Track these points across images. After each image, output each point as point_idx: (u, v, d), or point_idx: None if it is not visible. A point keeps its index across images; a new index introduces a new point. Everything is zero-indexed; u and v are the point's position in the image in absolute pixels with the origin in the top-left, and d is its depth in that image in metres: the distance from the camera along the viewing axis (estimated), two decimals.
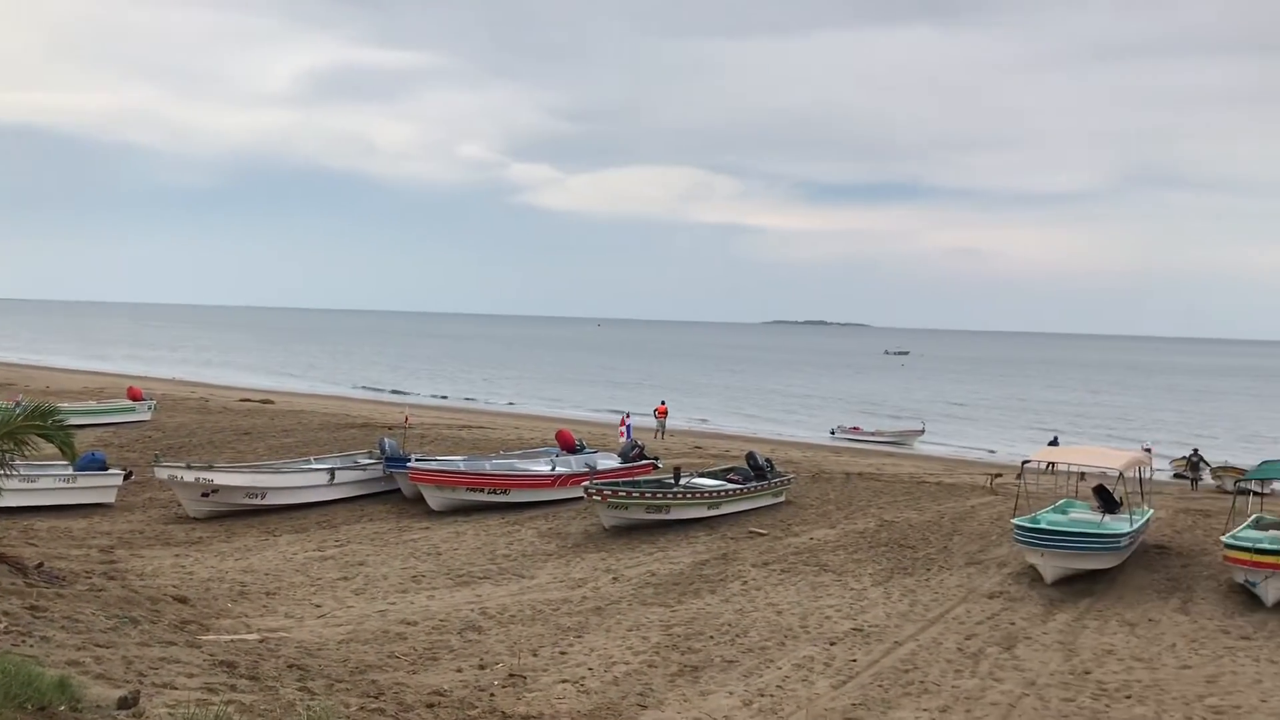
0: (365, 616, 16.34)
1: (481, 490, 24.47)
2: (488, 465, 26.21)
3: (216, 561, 19.71)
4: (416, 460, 25.47)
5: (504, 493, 24.69)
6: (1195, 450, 41.17)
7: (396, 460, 25.59)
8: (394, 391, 73.68)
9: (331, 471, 25.35)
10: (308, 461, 26.73)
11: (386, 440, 26.97)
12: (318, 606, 16.88)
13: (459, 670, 13.90)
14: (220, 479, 23.53)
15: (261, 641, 14.22)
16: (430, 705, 12.13)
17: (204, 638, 13.83)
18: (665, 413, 47.06)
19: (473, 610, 16.84)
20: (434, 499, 24.21)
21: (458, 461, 26.34)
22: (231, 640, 13.97)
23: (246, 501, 23.74)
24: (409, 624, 15.96)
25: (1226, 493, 31.45)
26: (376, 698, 11.93)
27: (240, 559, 19.98)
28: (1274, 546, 17.62)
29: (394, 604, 17.17)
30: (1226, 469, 38.71)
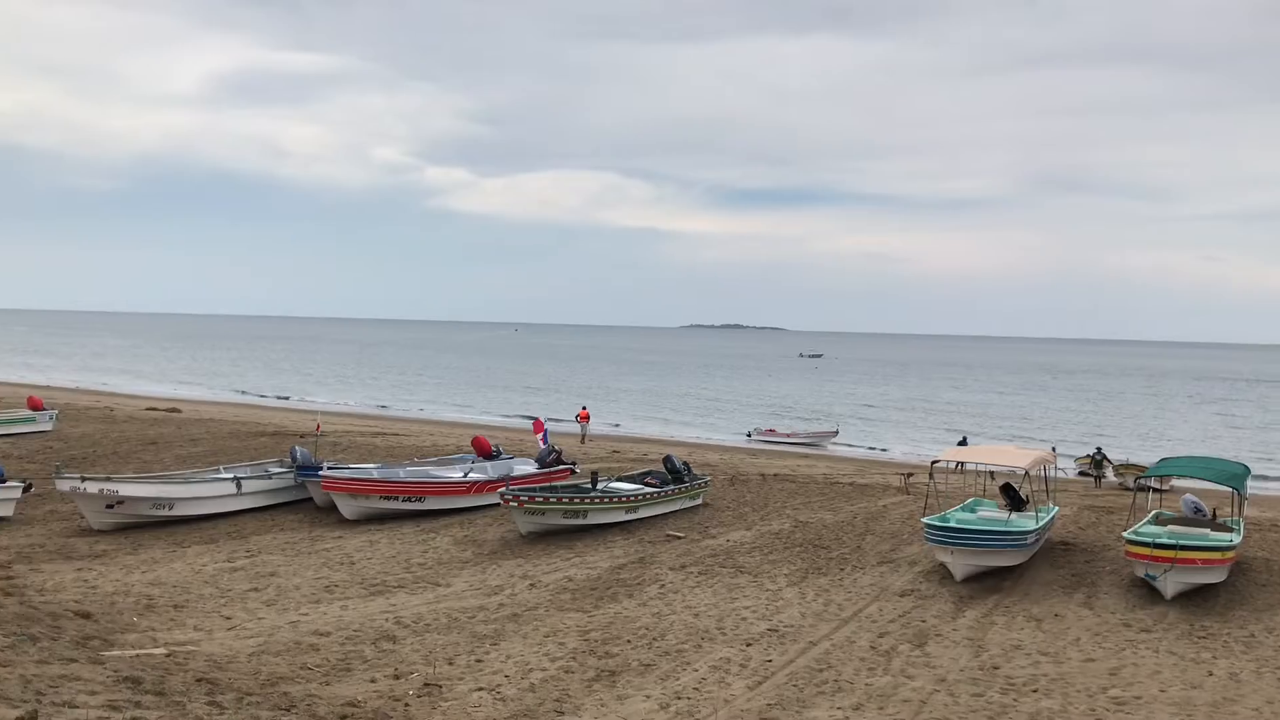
0: (277, 628, 16.03)
1: (396, 498, 24.19)
2: (402, 473, 25.92)
3: (121, 575, 19.17)
4: (329, 468, 25.10)
5: (419, 500, 24.44)
6: (1099, 449, 42.43)
7: (308, 468, 25.19)
8: (298, 399, 72.52)
9: (241, 481, 24.85)
10: (217, 471, 26.15)
11: (298, 448, 26.52)
12: (228, 619, 16.51)
13: (373, 681, 13.70)
14: (125, 490, 22.91)
15: (168, 656, 13.87)
16: (344, 717, 11.94)
17: (107, 654, 13.44)
18: (587, 417, 47.36)
19: (387, 619, 16.62)
20: (347, 507, 23.88)
21: (371, 469, 26.01)
22: (136, 655, 13.60)
23: (153, 513, 23.15)
24: (322, 635, 15.69)
25: (1128, 490, 32.44)
26: (288, 710, 11.71)
27: (147, 571, 19.47)
28: (1172, 541, 18.21)
29: (306, 615, 16.87)
30: (1128, 466, 39.99)
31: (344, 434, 40.12)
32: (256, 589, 18.38)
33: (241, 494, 24.64)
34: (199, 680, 12.58)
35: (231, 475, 25.24)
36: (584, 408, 49.78)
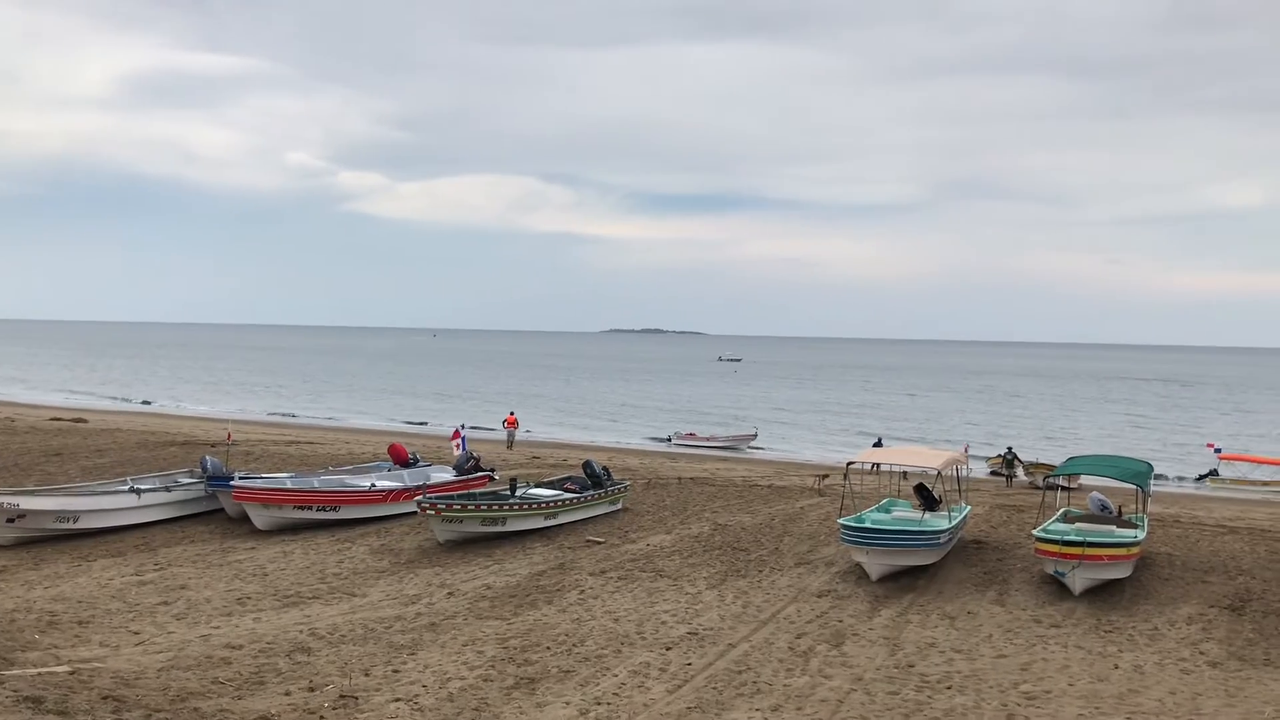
0: (187, 642, 15.65)
1: (310, 508, 23.78)
2: (316, 482, 25.48)
3: (23, 591, 18.57)
4: (240, 478, 24.60)
5: (334, 509, 24.06)
6: (1010, 449, 43.33)
7: (219, 479, 24.65)
8: (208, 408, 71.04)
9: (148, 492, 24.22)
10: (124, 482, 25.44)
11: (209, 458, 25.93)
12: (136, 634, 16.09)
13: (287, 694, 13.45)
14: (27, 503, 22.19)
15: (72, 673, 13.45)
16: None
17: (7, 673, 12.99)
18: (515, 423, 47.12)
19: (302, 631, 16.34)
20: (259, 518, 23.41)
21: (284, 478, 25.53)
22: (38, 674, 13.17)
23: (57, 526, 22.45)
24: (234, 648, 15.36)
25: (1038, 489, 33.20)
26: None
27: (50, 587, 18.88)
28: (1080, 538, 18.68)
29: (218, 628, 16.51)
30: (1036, 466, 41.04)
31: (256, 443, 39.33)
32: (166, 602, 17.94)
33: (150, 505, 24.03)
34: (104, 698, 12.24)
35: (143, 486, 24.61)
36: (511, 413, 49.55)
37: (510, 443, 45.02)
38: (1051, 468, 38.61)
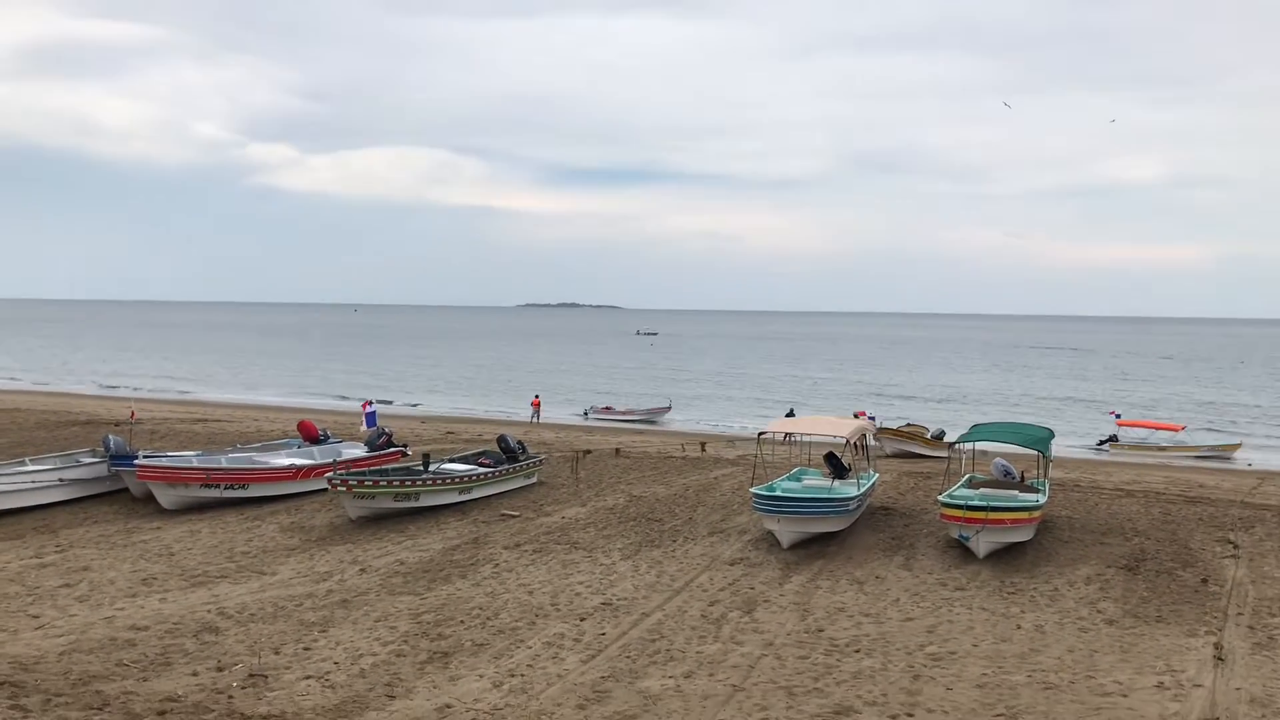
0: (90, 624, 15.28)
1: (217, 486, 23.34)
2: (224, 460, 25.00)
3: None
4: (145, 457, 24.03)
5: (242, 488, 23.64)
6: (909, 423, 44.26)
7: (122, 458, 24.05)
8: (114, 387, 69.23)
9: (48, 473, 23.55)
10: (22, 463, 24.70)
11: (112, 437, 25.27)
12: (35, 617, 15.65)
13: (194, 674, 13.23)
14: None
15: None
16: (161, 713, 11.51)
17: None
18: (539, 404, 53.59)
19: (210, 611, 16.06)
20: (165, 497, 22.92)
21: (190, 457, 25.00)
22: None
23: None
24: (139, 629, 15.05)
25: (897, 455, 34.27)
26: (101, 709, 11.23)
27: None
28: (984, 503, 19.16)
29: (122, 609, 16.13)
30: (907, 429, 42.17)
31: (162, 421, 38.47)
32: (68, 585, 17.48)
33: (51, 486, 23.37)
34: (1, 684, 11.91)
35: (42, 467, 23.91)
36: (536, 395, 56.13)
37: (535, 420, 49.79)
38: (923, 430, 39.96)
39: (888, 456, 34.17)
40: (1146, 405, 69.20)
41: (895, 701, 12.58)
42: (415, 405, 59.46)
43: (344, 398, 64.63)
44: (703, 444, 32.94)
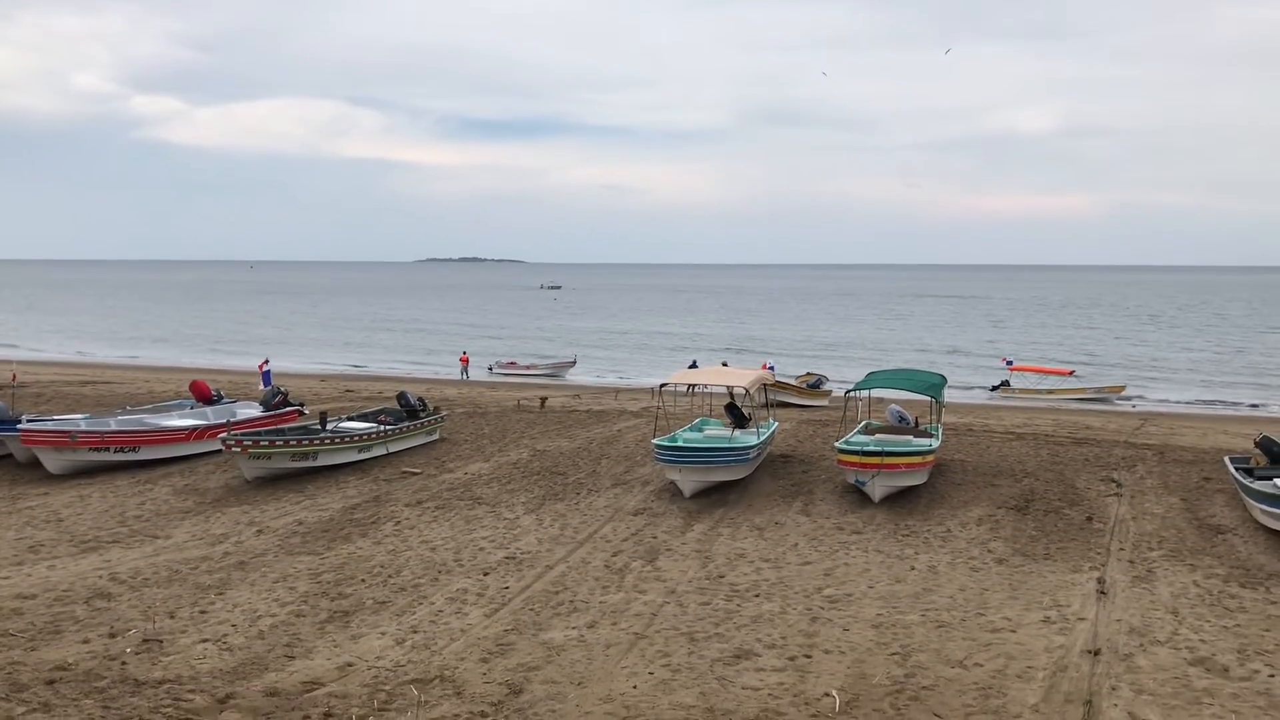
0: None
1: (107, 449, 22.67)
2: (113, 422, 24.27)
3: None
4: (29, 421, 23.21)
5: (133, 450, 23.00)
6: (809, 371, 45.02)
7: (4, 422, 23.19)
8: None
9: None
10: None
11: None
12: None
13: (85, 641, 12.90)
14: None
15: None
16: (50, 682, 11.20)
17: None
18: (467, 361, 53.33)
19: (101, 577, 15.64)
20: (51, 462, 22.20)
21: (78, 420, 24.22)
22: None
23: None
24: (26, 598, 14.59)
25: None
26: None
27: None
28: (879, 449, 19.56)
29: (8, 578, 15.62)
30: (806, 376, 43.83)
31: (48, 384, 37.15)
32: None
33: None
34: None
35: None
36: (464, 353, 55.80)
37: (465, 378, 49.60)
38: (807, 378, 41.51)
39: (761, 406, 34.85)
40: (1036, 350, 71.27)
41: (794, 644, 12.85)
42: (321, 365, 58.42)
43: (242, 356, 63.16)
44: (543, 399, 33.61)
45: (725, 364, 44.91)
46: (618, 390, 42.98)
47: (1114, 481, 21.04)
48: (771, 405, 26.44)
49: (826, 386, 42.63)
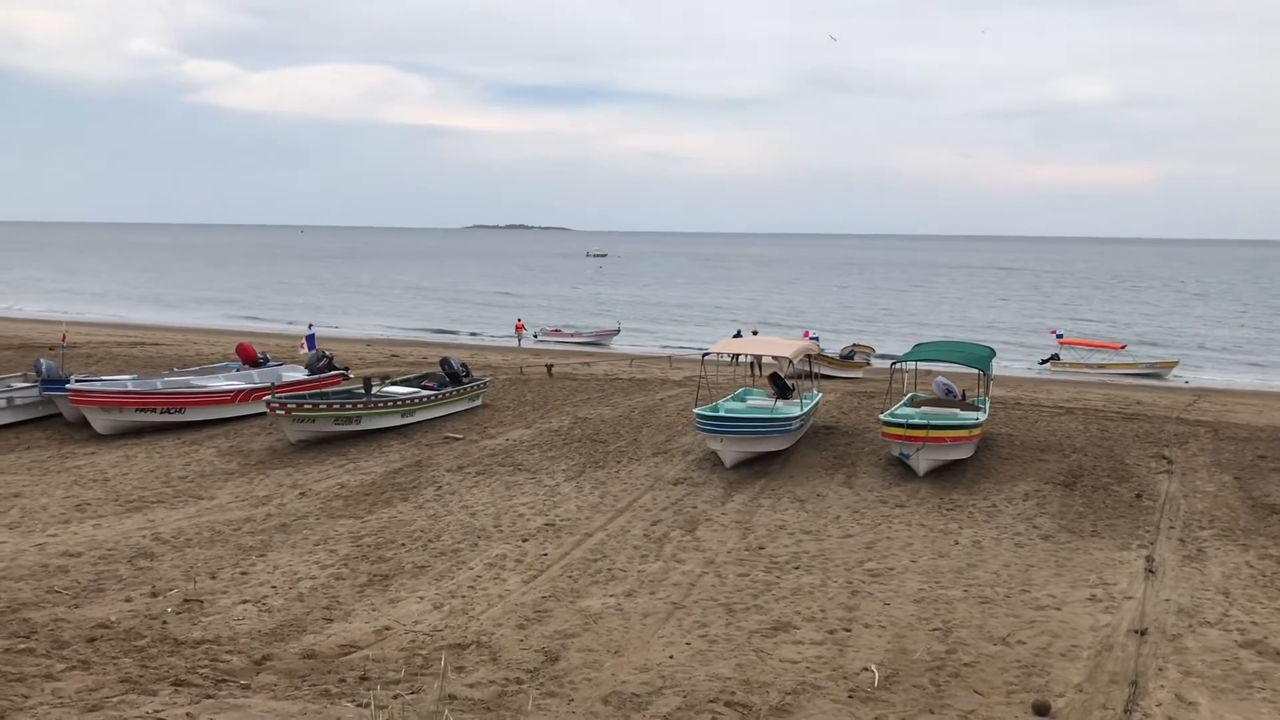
0: (20, 551, 14.97)
1: (153, 410, 22.90)
2: (160, 384, 24.52)
3: None
4: (77, 381, 23.50)
5: (179, 412, 23.23)
6: (855, 344, 44.61)
7: (54, 382, 23.50)
8: (42, 310, 67.67)
9: None
10: None
11: (43, 361, 24.66)
12: None
13: (128, 600, 13.02)
14: None
15: None
16: (91, 640, 11.30)
17: None
18: (523, 328, 52.45)
19: (145, 536, 15.80)
20: (99, 422, 22.47)
21: (125, 381, 24.49)
22: None
23: None
24: (72, 556, 14.78)
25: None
26: (28, 637, 11.00)
27: None
28: (924, 421, 19.28)
29: (55, 535, 15.83)
30: (859, 347, 43.73)
31: (99, 345, 37.67)
32: None
33: None
34: None
35: None
36: (520, 319, 54.83)
37: (519, 345, 48.88)
38: (869, 349, 41.55)
39: (805, 376, 34.66)
40: (1091, 323, 70.15)
41: (833, 617, 12.69)
42: (368, 329, 58.79)
43: (290, 323, 63.74)
44: (549, 366, 33.37)
45: (755, 332, 44.75)
46: (667, 359, 42.83)
47: (1165, 458, 20.62)
48: (816, 376, 26.20)
49: (871, 359, 42.30)
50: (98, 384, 23.57)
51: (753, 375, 27.21)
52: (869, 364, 41.85)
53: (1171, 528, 16.40)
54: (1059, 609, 13.00)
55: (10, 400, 23.35)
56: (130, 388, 23.54)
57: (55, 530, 16.17)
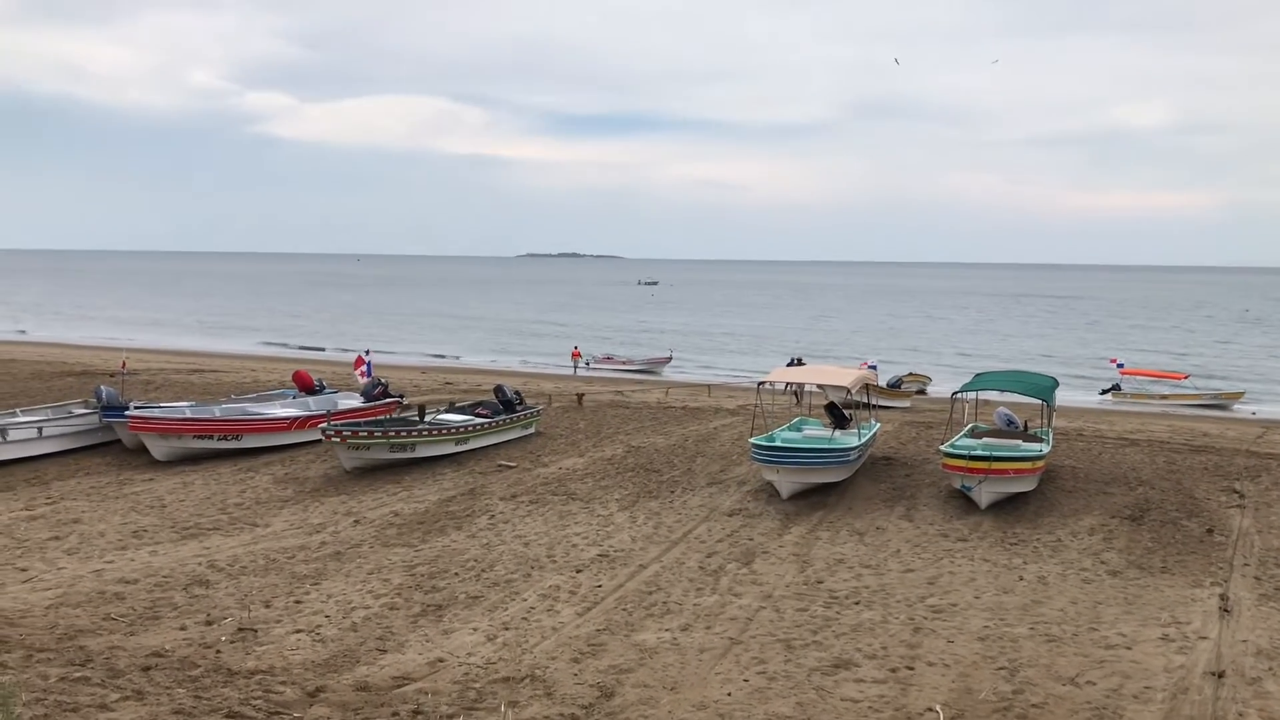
0: (78, 578, 15.07)
1: (210, 437, 23.07)
2: (217, 410, 24.71)
3: None
4: (136, 407, 23.73)
5: (236, 438, 23.37)
6: (911, 373, 44.08)
7: (114, 409, 23.76)
8: (99, 338, 68.85)
9: (40, 424, 23.29)
10: (13, 414, 24.42)
11: (104, 388, 24.98)
12: (23, 570, 15.43)
13: (183, 628, 13.01)
14: None
15: None
16: (146, 669, 11.27)
17: None
18: (579, 355, 54.21)
19: (200, 564, 15.83)
20: (157, 448, 22.66)
21: (183, 407, 24.71)
22: None
23: None
24: (128, 582, 14.83)
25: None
26: (84, 665, 11.00)
27: None
28: (986, 453, 18.86)
29: (112, 562, 15.92)
30: (912, 376, 43.15)
31: (157, 372, 38.17)
32: (57, 537, 17.26)
33: (43, 438, 23.11)
34: None
35: (34, 418, 23.65)
36: (576, 347, 56.70)
37: (575, 372, 50.23)
38: (925, 378, 40.93)
39: (862, 406, 34.24)
40: (1153, 354, 68.82)
41: (895, 654, 12.36)
42: (422, 357, 59.14)
43: (344, 350, 64.29)
44: (580, 395, 32.68)
45: (799, 360, 44.33)
46: (710, 387, 42.59)
47: (1236, 492, 20.01)
48: (871, 407, 25.81)
49: (927, 388, 41.73)
50: (156, 410, 23.79)
51: (797, 404, 26.97)
52: (920, 392, 41.25)
53: (1246, 564, 15.85)
54: (1130, 648, 12.57)
55: (54, 430, 23.56)
56: (188, 414, 23.74)
57: (112, 556, 16.25)
